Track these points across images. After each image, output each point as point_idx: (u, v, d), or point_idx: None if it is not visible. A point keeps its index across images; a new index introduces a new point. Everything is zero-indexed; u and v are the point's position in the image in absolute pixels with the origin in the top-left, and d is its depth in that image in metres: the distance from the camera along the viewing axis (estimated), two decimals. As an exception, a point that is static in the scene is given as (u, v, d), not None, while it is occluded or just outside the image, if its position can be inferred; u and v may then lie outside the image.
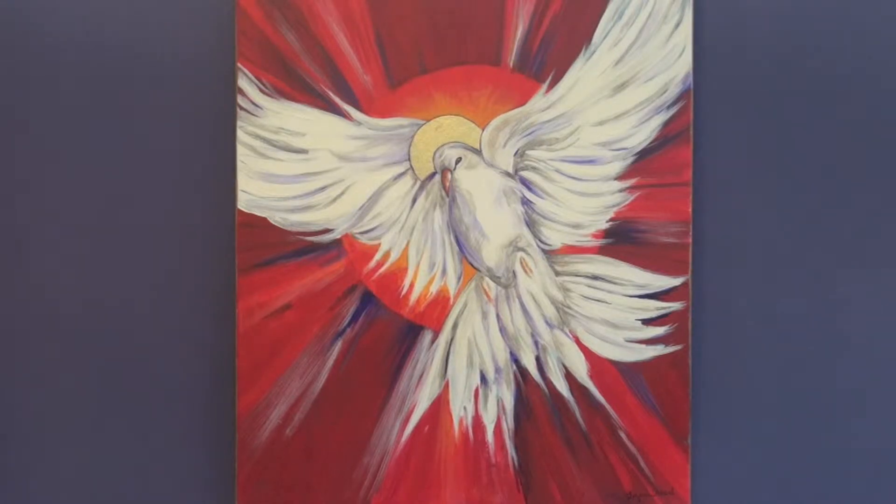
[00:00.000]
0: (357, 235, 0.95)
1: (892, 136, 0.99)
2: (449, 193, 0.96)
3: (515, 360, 0.96)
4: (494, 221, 0.96)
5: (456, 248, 0.96)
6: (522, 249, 0.96)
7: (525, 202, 0.96)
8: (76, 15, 0.97)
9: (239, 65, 0.94)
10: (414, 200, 0.95)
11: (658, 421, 0.96)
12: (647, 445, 0.96)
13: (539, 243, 0.96)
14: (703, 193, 0.98)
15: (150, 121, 0.98)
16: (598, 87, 0.96)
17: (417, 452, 0.96)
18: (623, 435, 0.96)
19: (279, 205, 0.94)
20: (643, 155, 0.96)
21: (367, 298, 0.95)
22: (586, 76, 0.96)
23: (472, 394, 0.96)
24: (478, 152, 0.96)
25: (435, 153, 0.95)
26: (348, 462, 0.95)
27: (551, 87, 0.95)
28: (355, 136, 0.95)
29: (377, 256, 0.95)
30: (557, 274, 0.96)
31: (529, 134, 0.96)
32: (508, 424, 0.96)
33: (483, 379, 0.96)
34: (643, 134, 0.96)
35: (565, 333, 0.96)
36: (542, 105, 0.96)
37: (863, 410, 1.00)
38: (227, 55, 0.96)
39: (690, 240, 0.96)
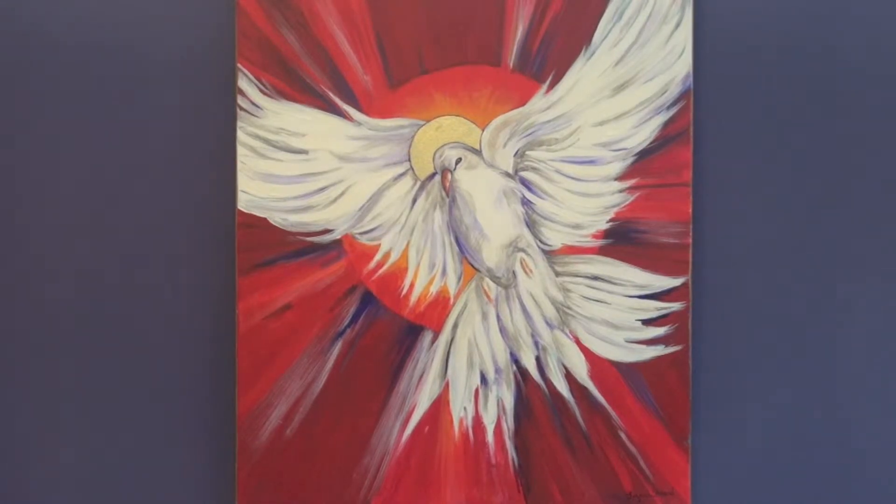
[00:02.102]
0: (357, 236, 0.95)
1: (894, 136, 0.99)
2: (449, 194, 0.95)
3: (515, 361, 0.96)
4: (494, 222, 0.96)
5: (456, 248, 0.96)
6: (522, 250, 0.96)
7: (525, 202, 0.96)
8: (75, 15, 0.97)
9: (239, 65, 0.94)
10: (414, 201, 0.95)
11: (658, 421, 0.96)
12: (647, 446, 0.96)
13: (539, 244, 0.96)
14: (703, 194, 0.98)
15: (150, 121, 0.97)
16: (598, 87, 0.96)
17: (417, 453, 0.95)
18: (623, 435, 0.96)
19: (279, 205, 0.94)
20: (643, 155, 0.96)
21: (368, 299, 0.95)
22: (586, 77, 0.95)
23: (473, 394, 0.96)
24: (478, 153, 0.96)
25: (435, 153, 0.95)
26: (348, 463, 0.95)
27: (551, 87, 0.95)
28: (355, 136, 0.95)
29: (377, 257, 0.95)
30: (557, 274, 0.96)
31: (529, 134, 0.96)
32: (508, 425, 0.96)
33: (483, 379, 0.96)
34: (643, 134, 0.95)
35: (565, 334, 0.96)
36: (542, 105, 0.95)
37: (864, 411, 1.00)
38: (227, 55, 0.95)
39: (690, 240, 0.96)
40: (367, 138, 0.95)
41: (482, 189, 0.95)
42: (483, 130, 0.95)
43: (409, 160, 0.95)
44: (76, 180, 0.98)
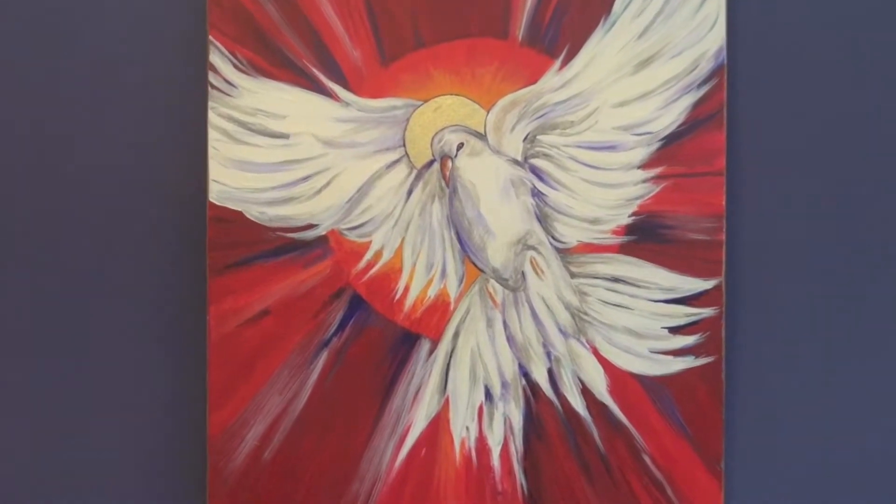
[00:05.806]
0: (345, 232, 0.93)
1: (953, 119, 0.97)
2: (449, 184, 0.93)
3: (525, 374, 0.94)
4: (501, 216, 0.93)
5: (457, 246, 0.94)
6: (533, 248, 0.94)
7: (536, 194, 0.94)
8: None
9: (210, 38, 0.92)
10: (409, 192, 0.93)
11: (687, 442, 0.94)
12: (674, 470, 0.94)
13: (552, 241, 0.94)
14: (739, 184, 0.95)
15: (109, 102, 0.95)
16: (618, 63, 0.93)
17: (413, 478, 0.93)
18: (647, 458, 0.94)
19: (256, 197, 0.92)
20: (670, 140, 0.93)
21: (356, 303, 0.93)
22: (605, 51, 0.93)
23: (476, 412, 0.94)
24: (482, 137, 0.93)
25: (433, 138, 0.93)
26: (335, 489, 0.93)
27: (566, 63, 0.93)
28: (343, 118, 0.93)
29: (368, 256, 0.93)
30: (573, 276, 0.94)
31: (541, 116, 0.93)
32: (517, 446, 0.94)
33: (488, 395, 0.94)
34: (670, 116, 0.93)
35: (582, 343, 0.94)
36: (555, 84, 0.93)
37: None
38: (196, 27, 0.94)
39: (724, 237, 0.93)
40: (357, 121, 0.93)
41: (487, 178, 0.93)
42: (488, 112, 0.93)
43: (404, 146, 0.93)
44: (25, 168, 0.95)
